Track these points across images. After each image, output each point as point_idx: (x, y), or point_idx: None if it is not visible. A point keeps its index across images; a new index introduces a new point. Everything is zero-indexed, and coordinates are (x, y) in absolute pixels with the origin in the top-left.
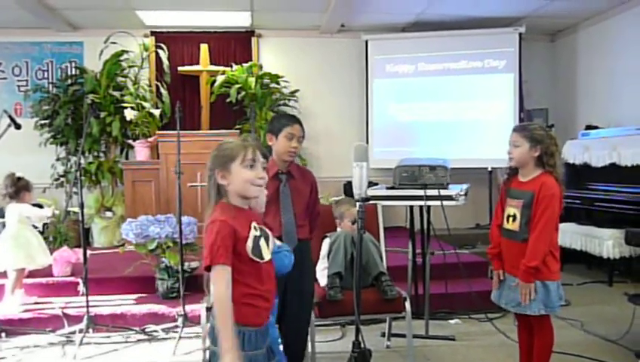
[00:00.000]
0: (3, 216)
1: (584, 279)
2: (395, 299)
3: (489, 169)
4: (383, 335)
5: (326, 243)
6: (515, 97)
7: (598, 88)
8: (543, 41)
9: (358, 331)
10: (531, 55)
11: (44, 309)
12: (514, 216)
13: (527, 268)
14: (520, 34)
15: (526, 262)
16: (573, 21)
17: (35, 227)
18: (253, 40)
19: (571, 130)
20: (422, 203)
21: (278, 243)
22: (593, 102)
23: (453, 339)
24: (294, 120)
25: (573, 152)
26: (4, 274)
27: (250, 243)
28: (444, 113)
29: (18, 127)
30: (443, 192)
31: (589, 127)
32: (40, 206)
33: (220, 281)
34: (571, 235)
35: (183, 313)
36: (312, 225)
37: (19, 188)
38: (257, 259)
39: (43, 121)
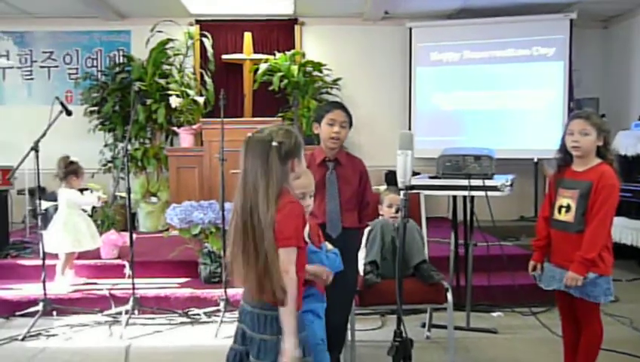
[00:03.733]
0: (56, 200)
1: (634, 275)
2: (439, 284)
3: (535, 160)
4: (423, 325)
5: (365, 233)
6: (565, 86)
7: None
8: (596, 28)
9: (400, 320)
10: (582, 42)
11: (92, 290)
12: (567, 207)
13: (584, 259)
14: (571, 20)
15: (583, 254)
16: (628, 6)
17: (85, 211)
18: (296, 28)
19: (624, 120)
20: (465, 193)
21: (329, 246)
22: None
23: (495, 332)
24: (336, 105)
25: (626, 143)
26: (56, 256)
27: (307, 228)
28: (489, 102)
29: (69, 113)
30: (488, 182)
31: None
32: (90, 190)
33: (292, 264)
34: (621, 230)
35: (224, 297)
36: (361, 215)
37: (67, 171)
38: (308, 244)
39: (92, 108)
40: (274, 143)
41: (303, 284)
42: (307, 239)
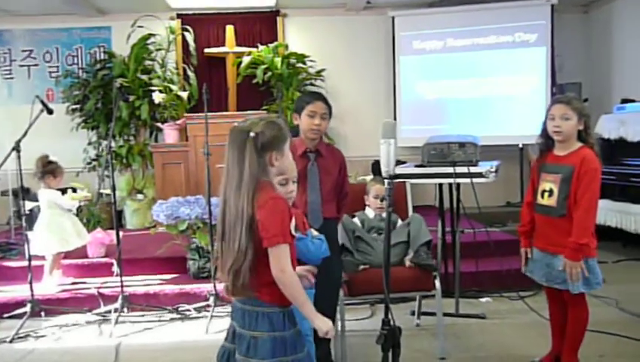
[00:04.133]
0: (37, 200)
1: (619, 257)
2: (428, 271)
3: (520, 146)
4: (413, 313)
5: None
6: (547, 71)
7: (634, 60)
8: (576, 13)
9: (387, 309)
10: (564, 27)
11: (80, 289)
12: (550, 191)
13: (578, 245)
14: (552, 5)
15: (576, 240)
16: None
17: (70, 210)
18: (279, 20)
19: (606, 104)
20: (451, 180)
21: (314, 233)
22: (629, 75)
23: (484, 318)
24: (316, 97)
25: (608, 127)
26: (42, 257)
27: (294, 221)
28: (473, 89)
29: (50, 112)
30: (472, 169)
31: (624, 101)
32: (74, 189)
33: (287, 261)
34: (606, 212)
35: (214, 292)
36: (339, 205)
37: (44, 171)
38: (295, 236)
39: (74, 106)
40: (251, 134)
41: None
42: (294, 232)
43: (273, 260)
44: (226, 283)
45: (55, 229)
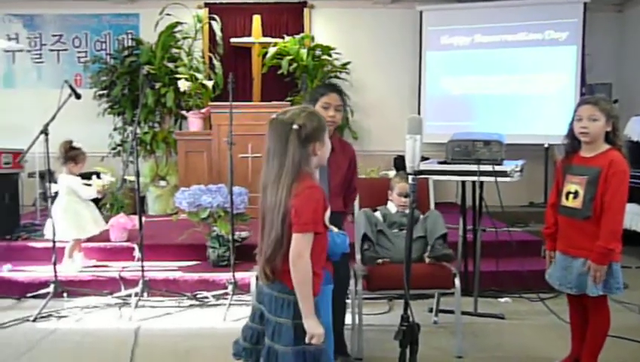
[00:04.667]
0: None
1: None
2: (447, 268)
3: (545, 145)
4: (431, 310)
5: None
6: (577, 71)
7: None
8: (610, 12)
9: (407, 305)
10: (596, 26)
11: (102, 272)
12: (575, 193)
13: (606, 250)
14: (584, 3)
15: (604, 244)
16: None
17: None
18: (305, 11)
19: (637, 105)
20: (475, 178)
21: (334, 228)
22: None
23: (503, 318)
24: (330, 88)
25: (638, 129)
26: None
27: (328, 212)
28: (500, 87)
29: (78, 96)
30: (497, 168)
31: None
32: (97, 174)
33: (307, 249)
34: (632, 216)
35: (233, 281)
36: (347, 200)
37: (67, 157)
38: (328, 227)
39: (101, 92)
40: (294, 126)
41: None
42: (327, 223)
43: (295, 244)
44: (263, 269)
45: (72, 216)
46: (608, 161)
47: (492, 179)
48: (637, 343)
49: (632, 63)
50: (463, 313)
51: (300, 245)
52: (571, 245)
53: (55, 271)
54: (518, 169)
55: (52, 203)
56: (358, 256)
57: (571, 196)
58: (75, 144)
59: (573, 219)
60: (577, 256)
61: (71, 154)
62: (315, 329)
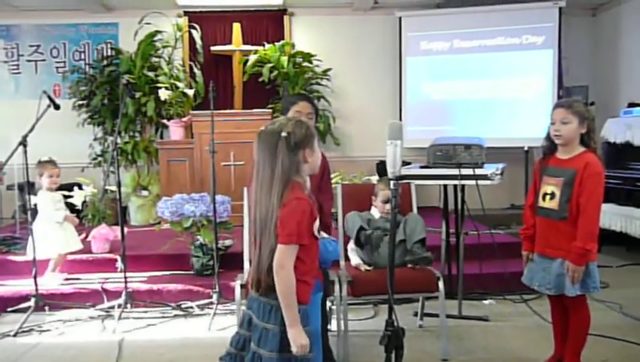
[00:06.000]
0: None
1: (623, 261)
2: (430, 271)
3: (525, 148)
4: (416, 314)
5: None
6: (554, 74)
7: None
8: (584, 16)
9: (391, 310)
10: (571, 30)
11: (84, 284)
12: (552, 194)
13: (583, 250)
14: (560, 8)
15: (581, 245)
16: None
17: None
18: (286, 18)
19: (613, 107)
20: (456, 182)
21: (324, 235)
22: (636, 79)
23: (487, 320)
24: (300, 97)
25: (615, 131)
26: None
27: (317, 222)
28: (479, 91)
29: (57, 107)
30: (478, 171)
31: (631, 105)
32: (79, 186)
33: (291, 260)
34: (611, 216)
35: (217, 290)
36: (323, 208)
37: (39, 173)
38: (317, 237)
39: (80, 102)
40: (283, 134)
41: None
42: (317, 234)
43: (278, 255)
44: (257, 280)
45: (41, 235)
46: (584, 164)
47: (473, 182)
48: (619, 341)
49: (607, 66)
50: (448, 316)
51: (283, 256)
52: (549, 246)
53: (36, 285)
54: (499, 172)
55: (32, 215)
56: (342, 262)
57: (548, 197)
58: (43, 158)
59: (549, 220)
60: (555, 256)
61: (38, 169)
62: (298, 339)
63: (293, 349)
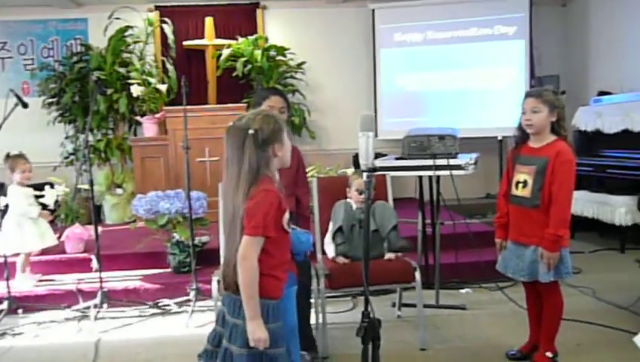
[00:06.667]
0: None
1: (596, 247)
2: (407, 262)
3: (499, 138)
4: (394, 305)
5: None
6: (526, 64)
7: (610, 53)
8: (555, 6)
9: (367, 301)
10: (542, 20)
11: (58, 286)
12: (524, 183)
13: (556, 236)
14: None
15: (554, 231)
16: None
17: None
18: (258, 12)
19: (583, 96)
20: (431, 173)
21: (297, 228)
22: (605, 68)
23: (464, 309)
24: (272, 92)
25: (585, 119)
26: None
27: (287, 215)
28: (453, 82)
29: (25, 105)
30: (452, 162)
31: (601, 93)
32: (51, 185)
33: (255, 252)
34: (583, 203)
35: (195, 287)
36: (301, 199)
37: (9, 168)
38: (287, 230)
39: (50, 100)
40: (250, 131)
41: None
42: (286, 226)
43: (243, 246)
44: (226, 277)
45: (18, 230)
46: (555, 152)
47: (448, 172)
48: (592, 325)
49: (577, 55)
50: (425, 306)
51: (247, 247)
52: (522, 233)
53: (8, 287)
54: (472, 162)
55: (2, 216)
56: (319, 255)
57: (520, 185)
58: (12, 152)
59: (522, 208)
60: (528, 243)
61: (8, 163)
62: (257, 332)
63: (251, 343)
